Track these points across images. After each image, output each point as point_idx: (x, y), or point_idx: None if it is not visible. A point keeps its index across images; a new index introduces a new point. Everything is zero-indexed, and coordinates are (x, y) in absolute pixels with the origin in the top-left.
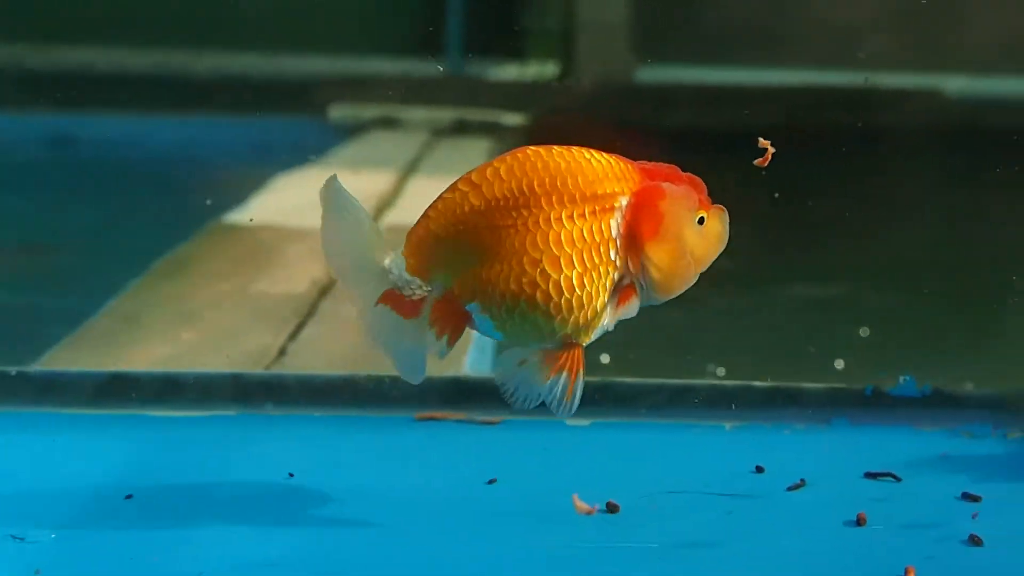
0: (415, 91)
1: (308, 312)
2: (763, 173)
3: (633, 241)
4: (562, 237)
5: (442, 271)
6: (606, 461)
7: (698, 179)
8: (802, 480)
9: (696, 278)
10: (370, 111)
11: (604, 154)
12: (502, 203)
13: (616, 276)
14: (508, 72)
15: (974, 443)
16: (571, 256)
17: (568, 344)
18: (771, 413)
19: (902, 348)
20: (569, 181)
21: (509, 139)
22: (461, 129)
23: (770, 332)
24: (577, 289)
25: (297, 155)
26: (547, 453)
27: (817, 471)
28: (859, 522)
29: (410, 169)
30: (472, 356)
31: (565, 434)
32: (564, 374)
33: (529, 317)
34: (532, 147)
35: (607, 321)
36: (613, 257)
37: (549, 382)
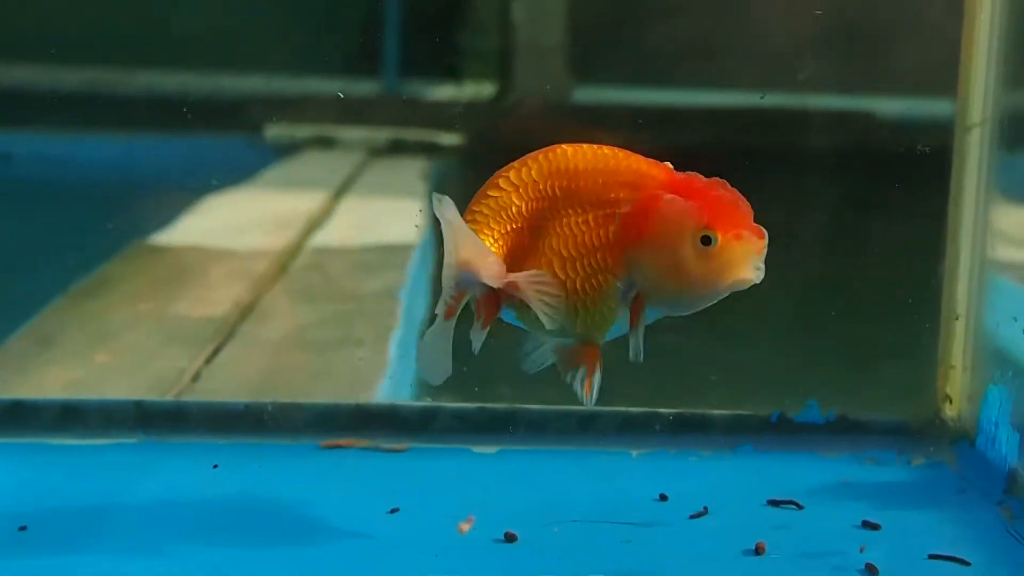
0: (351, 111)
1: (228, 335)
2: None
3: (621, 247)
4: (570, 243)
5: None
6: (511, 489)
7: (737, 200)
8: (705, 508)
9: (712, 297)
10: (306, 131)
11: (636, 158)
12: (535, 205)
13: (619, 282)
14: (444, 92)
15: (878, 470)
16: (575, 261)
17: (586, 342)
18: (677, 440)
19: (807, 375)
20: (584, 186)
21: (445, 159)
22: (397, 149)
23: (675, 358)
24: (580, 292)
25: (230, 175)
26: (453, 481)
27: (720, 499)
28: (758, 551)
29: (343, 188)
30: (384, 385)
31: (472, 462)
32: (582, 369)
33: (543, 316)
34: (563, 145)
35: (619, 322)
36: (612, 263)
37: (568, 376)
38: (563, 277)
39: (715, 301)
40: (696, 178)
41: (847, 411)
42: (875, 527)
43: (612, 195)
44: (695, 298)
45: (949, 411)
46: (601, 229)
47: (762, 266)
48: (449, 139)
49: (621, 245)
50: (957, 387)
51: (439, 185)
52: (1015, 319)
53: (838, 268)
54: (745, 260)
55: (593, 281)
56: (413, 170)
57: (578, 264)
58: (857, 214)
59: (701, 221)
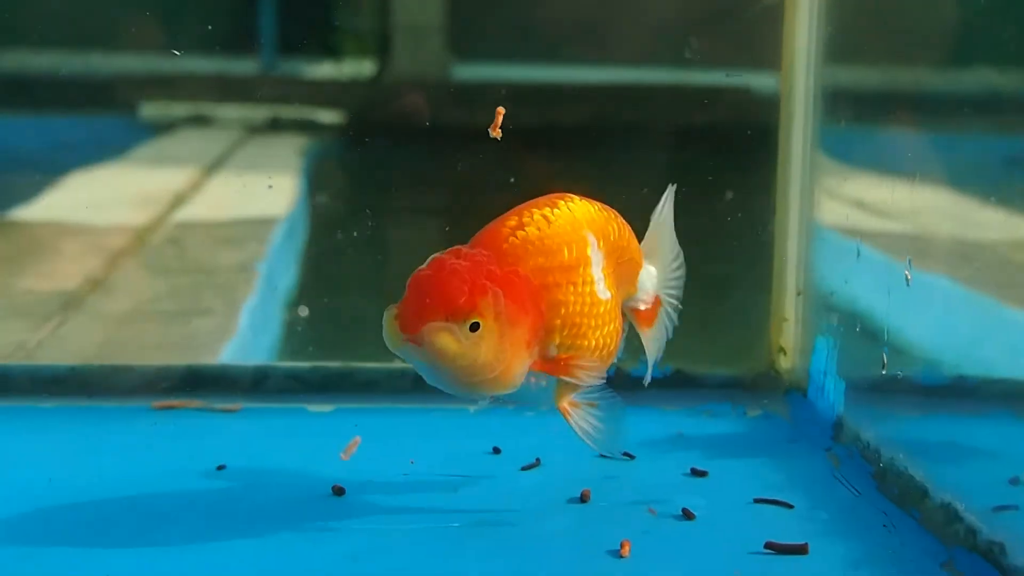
0: (229, 89)
1: (74, 308)
2: (498, 141)
3: None
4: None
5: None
6: (345, 446)
7: (415, 284)
8: (537, 460)
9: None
10: (182, 109)
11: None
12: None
13: None
14: (323, 70)
15: (713, 422)
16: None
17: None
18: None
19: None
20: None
21: (323, 137)
22: (274, 127)
23: None
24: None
25: (101, 153)
26: (285, 438)
27: (553, 451)
28: (583, 499)
29: (215, 165)
30: (227, 352)
31: (307, 420)
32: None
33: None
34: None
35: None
36: None
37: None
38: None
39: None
40: (437, 262)
41: (684, 366)
42: (702, 474)
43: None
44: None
45: (783, 363)
46: None
47: (409, 348)
48: (328, 117)
49: None
50: (790, 340)
51: (316, 162)
52: (846, 281)
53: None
54: (387, 337)
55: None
56: (290, 148)
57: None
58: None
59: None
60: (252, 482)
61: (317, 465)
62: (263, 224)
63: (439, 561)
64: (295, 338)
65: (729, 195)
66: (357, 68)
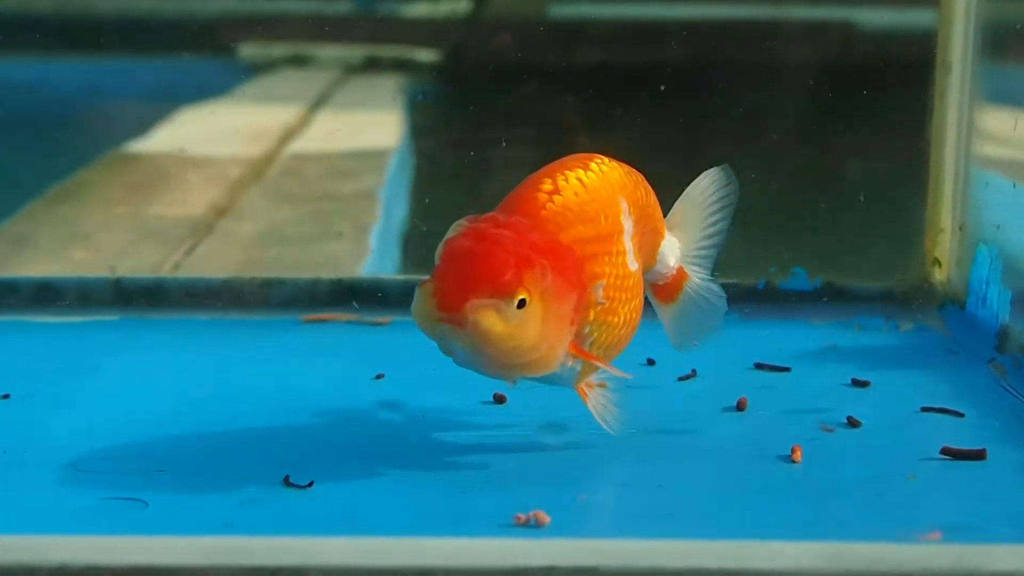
0: (326, 29)
1: (205, 232)
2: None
3: None
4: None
5: None
6: None
7: (454, 254)
8: (693, 371)
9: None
10: (280, 50)
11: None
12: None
13: None
14: (419, 9)
15: (865, 335)
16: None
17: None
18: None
19: (794, 246)
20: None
21: (421, 76)
22: (372, 66)
23: None
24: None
25: (204, 92)
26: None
27: (707, 363)
28: (740, 407)
29: (318, 103)
30: (364, 268)
31: None
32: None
33: None
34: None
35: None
36: None
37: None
38: None
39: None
40: (469, 229)
41: (834, 279)
42: (864, 384)
43: None
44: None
45: (938, 275)
46: None
47: (446, 329)
48: (425, 56)
49: None
50: (946, 251)
51: (416, 100)
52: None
53: (824, 155)
54: (416, 316)
55: None
56: (389, 87)
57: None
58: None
59: None
60: (411, 391)
61: (475, 376)
62: (375, 156)
63: (607, 470)
64: (415, 258)
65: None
66: (453, 7)
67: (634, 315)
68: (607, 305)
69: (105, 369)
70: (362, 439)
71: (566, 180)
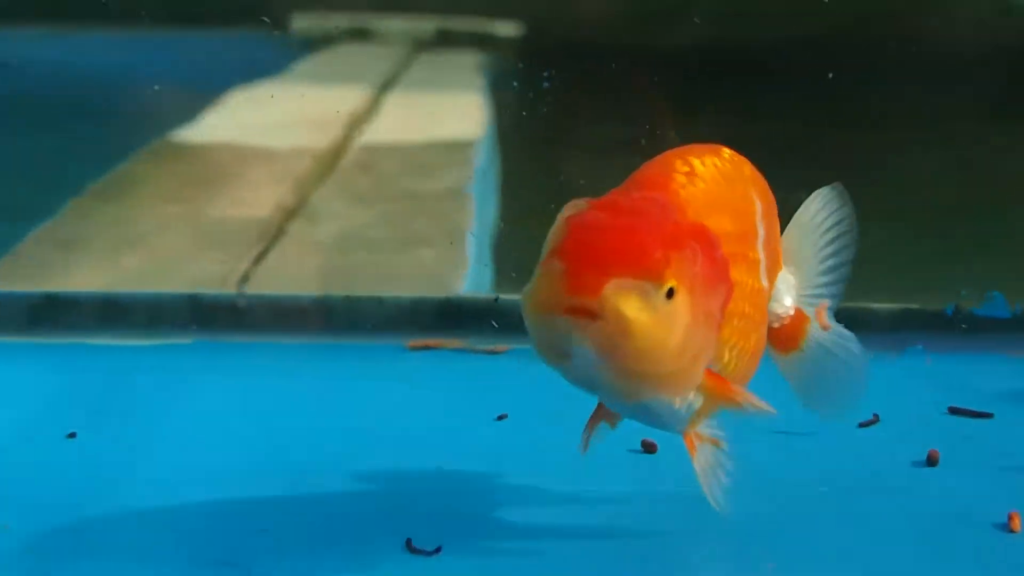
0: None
1: (274, 236)
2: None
3: None
4: None
5: None
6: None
7: (587, 222)
8: (875, 416)
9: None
10: (338, 21)
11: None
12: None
13: None
14: None
15: None
16: None
17: None
18: None
19: (989, 261)
20: None
21: (501, 52)
22: (445, 41)
23: None
24: None
25: (255, 71)
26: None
27: (891, 407)
28: (931, 461)
29: (386, 84)
30: (464, 286)
31: None
32: None
33: None
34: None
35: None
36: None
37: None
38: None
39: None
40: (602, 201)
41: None
42: None
43: None
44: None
45: None
46: None
47: (572, 322)
48: (504, 29)
49: None
50: None
51: (497, 80)
52: None
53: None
54: (531, 306)
55: None
56: (465, 65)
57: None
58: None
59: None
60: (540, 436)
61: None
62: (456, 148)
63: (782, 532)
64: (517, 270)
65: None
66: None
67: (761, 345)
68: (743, 324)
69: (182, 401)
70: (489, 494)
71: (703, 164)
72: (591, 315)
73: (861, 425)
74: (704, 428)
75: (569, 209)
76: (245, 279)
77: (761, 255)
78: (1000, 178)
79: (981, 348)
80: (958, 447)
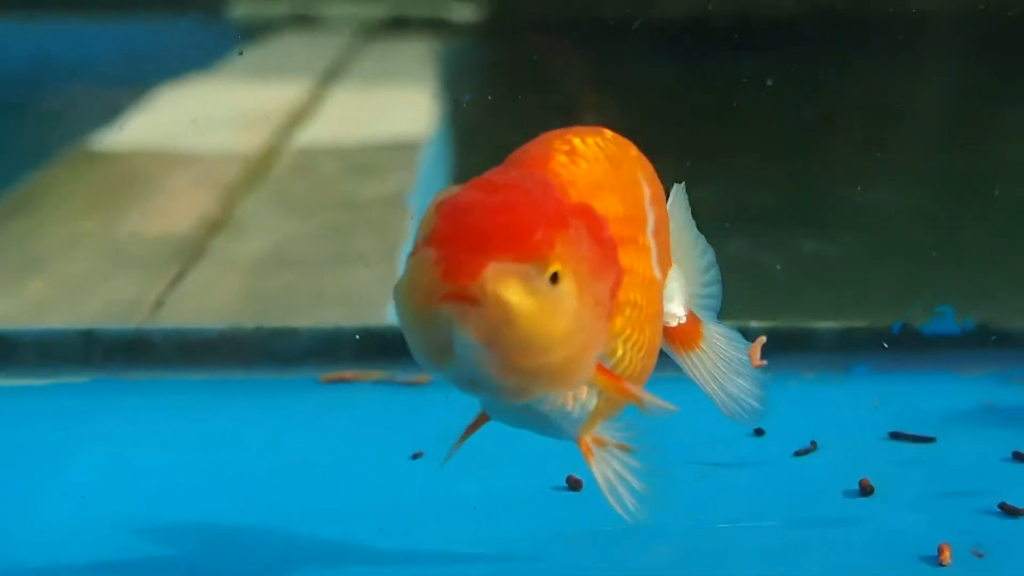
0: None
1: (194, 255)
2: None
3: None
4: None
5: None
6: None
7: (465, 203)
8: (812, 443)
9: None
10: (281, 7)
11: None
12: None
13: None
14: None
15: None
16: None
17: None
18: (775, 360)
19: (937, 276)
20: None
21: (457, 36)
22: (397, 26)
23: (769, 257)
24: None
25: (187, 63)
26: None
27: (831, 432)
28: (864, 491)
29: (330, 76)
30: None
31: None
32: None
33: None
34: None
35: None
36: None
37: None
38: None
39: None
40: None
41: (989, 318)
42: None
43: None
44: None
45: None
46: None
47: (453, 310)
48: (461, 12)
49: None
50: None
51: (453, 67)
52: None
53: (978, 150)
54: (402, 295)
55: None
56: (418, 51)
57: None
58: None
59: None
60: (459, 473)
61: (538, 452)
62: (404, 148)
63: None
64: None
65: None
66: None
67: (657, 340)
68: (635, 315)
69: (75, 447)
70: (401, 536)
71: (584, 143)
72: (471, 301)
73: (797, 454)
74: (610, 432)
75: (440, 195)
76: (158, 305)
77: (652, 243)
78: (950, 188)
79: (929, 366)
80: (896, 474)
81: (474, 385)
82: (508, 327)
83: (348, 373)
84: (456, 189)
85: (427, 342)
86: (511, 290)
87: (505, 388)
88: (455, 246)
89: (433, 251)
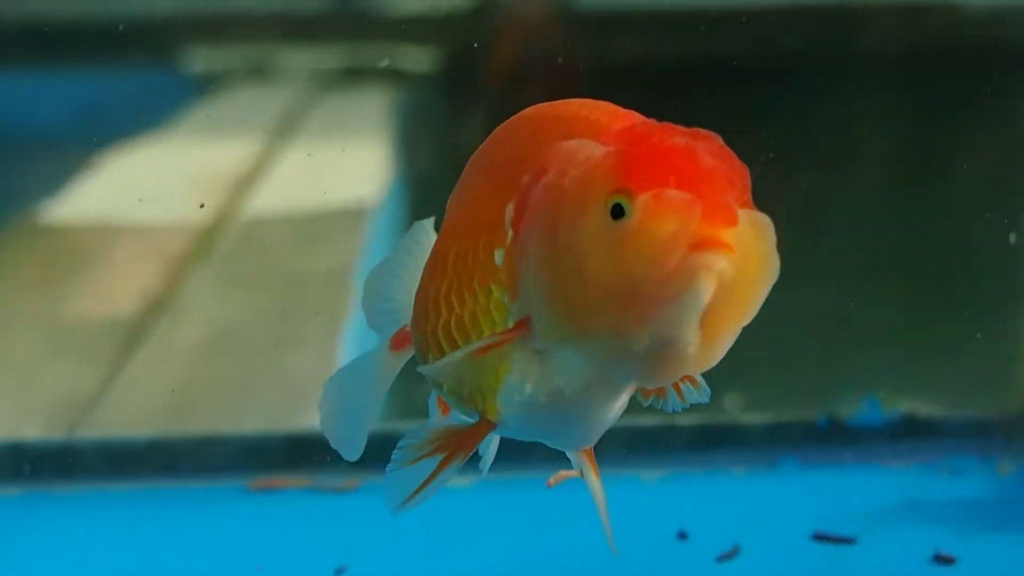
0: (294, 30)
1: (136, 339)
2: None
3: (515, 236)
4: (458, 226)
5: None
6: (491, 528)
7: (695, 151)
8: (735, 547)
9: (632, 328)
10: (234, 59)
11: (593, 106)
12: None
13: (510, 301)
14: (412, 2)
15: (954, 483)
16: (447, 259)
17: (478, 422)
18: (700, 457)
19: (861, 365)
20: (503, 144)
21: (415, 88)
22: (355, 77)
23: None
24: (444, 312)
25: (139, 120)
26: (416, 523)
27: (756, 532)
28: None
29: (282, 131)
30: None
31: (446, 499)
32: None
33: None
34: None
35: (521, 381)
36: (499, 261)
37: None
38: (426, 290)
39: (656, 349)
40: (662, 127)
41: (914, 408)
42: (949, 561)
43: (533, 156)
44: (608, 332)
45: None
46: (501, 207)
47: (723, 263)
48: (420, 63)
49: (516, 234)
50: None
51: (409, 122)
52: None
53: (899, 219)
54: (671, 244)
55: (465, 292)
56: (377, 104)
57: (450, 263)
58: (925, 139)
59: (616, 176)
60: None
61: (467, 555)
62: (353, 212)
63: None
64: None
65: (963, 165)
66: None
67: None
68: None
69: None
70: None
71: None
72: (729, 249)
73: (719, 559)
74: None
75: (643, 139)
76: (93, 404)
77: None
78: (876, 278)
79: (856, 458)
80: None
81: (670, 349)
82: (760, 281)
83: (276, 480)
84: (653, 131)
85: (644, 298)
86: (769, 241)
87: (708, 353)
88: (715, 189)
89: (685, 194)
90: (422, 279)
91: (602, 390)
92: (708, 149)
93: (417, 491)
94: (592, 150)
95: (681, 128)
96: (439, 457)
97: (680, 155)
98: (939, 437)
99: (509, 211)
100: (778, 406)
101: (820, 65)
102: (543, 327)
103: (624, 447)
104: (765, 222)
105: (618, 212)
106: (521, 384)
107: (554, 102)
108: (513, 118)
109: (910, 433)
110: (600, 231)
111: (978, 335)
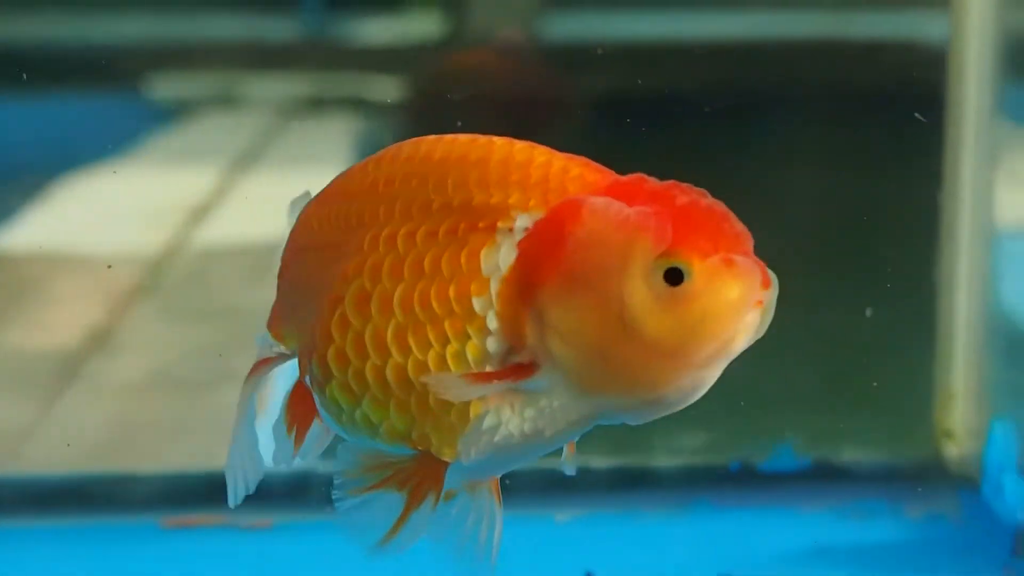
0: (260, 59)
1: (75, 374)
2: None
3: (526, 286)
4: (389, 265)
5: (293, 326)
6: (409, 566)
7: (725, 213)
8: None
9: (679, 383)
10: (200, 86)
11: (542, 150)
12: (343, 216)
13: (494, 345)
14: (381, 32)
15: (863, 526)
16: (388, 299)
17: (424, 459)
18: (613, 499)
19: (774, 412)
20: (442, 182)
21: (383, 119)
22: (319, 107)
23: None
24: (396, 354)
25: (95, 148)
26: (336, 561)
27: (667, 574)
28: None
29: (244, 161)
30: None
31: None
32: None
33: (343, 398)
34: (431, 136)
35: (494, 423)
36: (480, 309)
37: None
38: (360, 326)
39: (681, 397)
40: (649, 181)
41: (825, 454)
42: None
43: (491, 197)
44: (648, 384)
45: (950, 449)
46: (462, 249)
47: (758, 321)
48: (387, 92)
49: (523, 279)
50: (959, 420)
51: (373, 151)
52: None
53: (803, 266)
54: (739, 308)
55: (431, 336)
56: (342, 134)
57: (397, 308)
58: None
59: (663, 239)
60: None
61: None
62: None
63: None
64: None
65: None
66: (425, 28)
67: None
68: None
69: None
70: None
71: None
72: (759, 305)
73: None
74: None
75: (663, 186)
76: (27, 437)
77: None
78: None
79: (769, 501)
80: None
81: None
82: (760, 333)
83: (191, 518)
84: (671, 186)
85: (702, 356)
86: (775, 296)
87: (696, 395)
88: (746, 250)
89: (747, 260)
90: (323, 312)
91: (579, 430)
92: (724, 208)
93: (391, 534)
94: (623, 209)
95: (684, 185)
96: (396, 490)
97: (716, 218)
98: (849, 482)
99: (493, 259)
100: (690, 452)
101: (766, 100)
102: (577, 376)
103: (539, 487)
104: (775, 279)
105: (674, 275)
106: (496, 425)
107: (455, 136)
108: (414, 151)
109: (821, 477)
110: (654, 293)
111: (874, 383)
